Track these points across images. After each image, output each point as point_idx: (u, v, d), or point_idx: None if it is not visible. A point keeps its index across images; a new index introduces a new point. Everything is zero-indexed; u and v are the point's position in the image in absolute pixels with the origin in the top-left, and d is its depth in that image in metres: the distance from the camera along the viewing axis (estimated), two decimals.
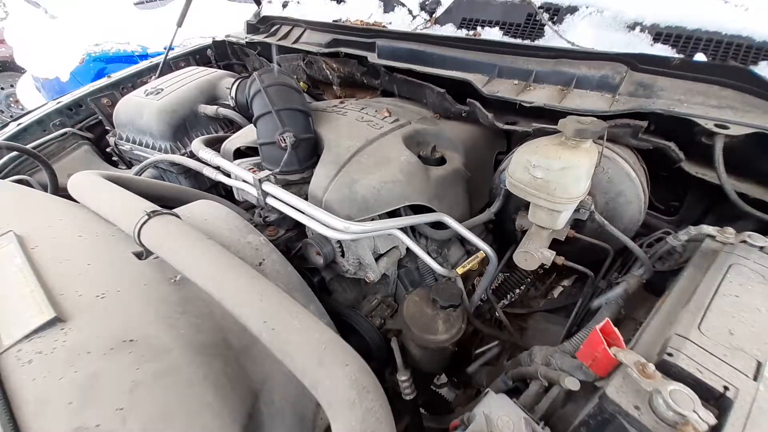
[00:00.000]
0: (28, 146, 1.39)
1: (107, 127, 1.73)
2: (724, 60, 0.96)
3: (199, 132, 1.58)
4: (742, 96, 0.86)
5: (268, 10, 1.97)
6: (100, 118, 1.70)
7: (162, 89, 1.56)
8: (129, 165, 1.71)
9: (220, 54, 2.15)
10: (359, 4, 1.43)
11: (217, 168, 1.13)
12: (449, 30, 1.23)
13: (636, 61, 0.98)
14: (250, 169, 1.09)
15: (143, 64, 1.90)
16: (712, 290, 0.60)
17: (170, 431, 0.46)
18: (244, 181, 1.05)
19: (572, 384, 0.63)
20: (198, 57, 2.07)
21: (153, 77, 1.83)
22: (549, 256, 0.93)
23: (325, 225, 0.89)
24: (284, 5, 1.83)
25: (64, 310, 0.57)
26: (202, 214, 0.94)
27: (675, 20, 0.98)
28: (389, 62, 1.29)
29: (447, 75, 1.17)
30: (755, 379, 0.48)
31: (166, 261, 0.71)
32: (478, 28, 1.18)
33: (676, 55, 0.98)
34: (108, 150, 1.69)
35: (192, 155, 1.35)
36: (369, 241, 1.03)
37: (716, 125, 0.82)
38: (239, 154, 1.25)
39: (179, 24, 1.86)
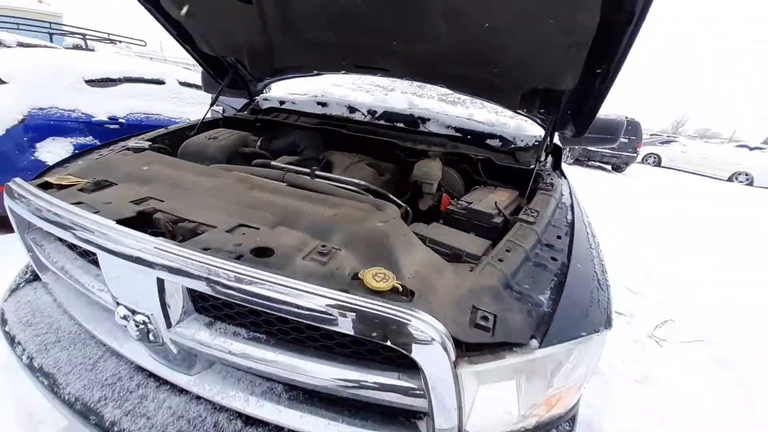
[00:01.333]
0: None
1: None
2: (471, 138, 2.74)
3: (235, 162, 2.67)
4: (483, 150, 2.61)
5: (266, 102, 3.31)
6: None
7: (216, 137, 2.65)
8: None
9: (226, 123, 3.30)
10: (335, 108, 2.94)
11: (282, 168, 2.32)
12: (383, 122, 2.82)
13: (453, 138, 2.70)
14: None
15: (183, 124, 2.92)
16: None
17: None
18: (302, 173, 2.26)
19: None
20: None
21: (194, 133, 2.87)
22: (432, 203, 2.42)
23: (354, 182, 2.19)
24: (282, 103, 3.21)
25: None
26: None
27: (458, 124, 2.76)
28: (355, 134, 2.77)
29: (385, 140, 2.70)
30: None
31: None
32: (396, 123, 2.81)
33: (461, 135, 2.73)
34: None
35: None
36: None
37: (474, 155, 2.51)
38: None
39: (212, 104, 3.02)
